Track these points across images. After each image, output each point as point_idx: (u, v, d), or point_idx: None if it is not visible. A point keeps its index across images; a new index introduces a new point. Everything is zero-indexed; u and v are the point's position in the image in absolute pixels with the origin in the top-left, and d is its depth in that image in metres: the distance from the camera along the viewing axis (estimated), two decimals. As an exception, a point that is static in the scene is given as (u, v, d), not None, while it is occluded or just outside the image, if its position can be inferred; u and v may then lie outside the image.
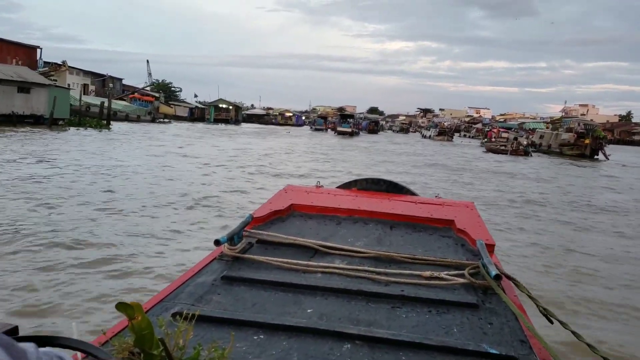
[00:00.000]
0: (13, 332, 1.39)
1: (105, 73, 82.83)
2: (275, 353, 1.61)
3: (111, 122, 44.22)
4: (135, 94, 74.01)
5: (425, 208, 3.67)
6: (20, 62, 54.21)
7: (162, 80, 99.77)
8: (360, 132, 75.18)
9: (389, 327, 1.82)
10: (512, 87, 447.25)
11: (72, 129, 36.23)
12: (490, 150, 45.57)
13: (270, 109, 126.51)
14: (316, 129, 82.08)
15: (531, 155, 41.10)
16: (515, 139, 49.44)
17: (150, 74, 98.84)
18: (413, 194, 4.44)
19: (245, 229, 2.78)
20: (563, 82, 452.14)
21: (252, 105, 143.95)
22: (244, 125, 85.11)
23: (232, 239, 2.57)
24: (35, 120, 36.69)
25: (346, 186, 4.58)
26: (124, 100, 70.06)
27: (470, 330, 1.84)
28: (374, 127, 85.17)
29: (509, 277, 2.27)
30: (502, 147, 44.44)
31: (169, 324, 1.42)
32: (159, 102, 73.31)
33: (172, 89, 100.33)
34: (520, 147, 43.18)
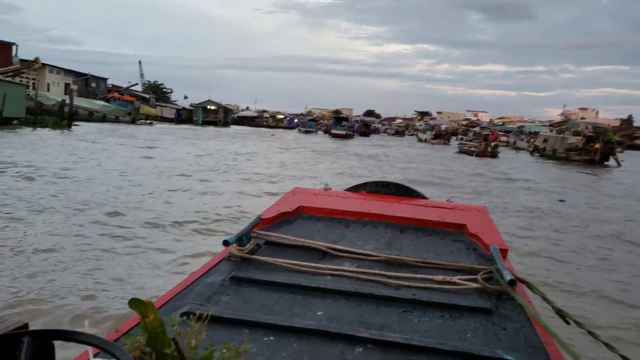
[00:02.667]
0: (23, 329, 1.42)
1: (87, 73, 79.67)
2: (285, 355, 1.61)
3: (74, 122, 40.88)
4: (115, 94, 70.59)
5: (436, 212, 3.63)
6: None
7: (154, 82, 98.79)
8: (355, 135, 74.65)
9: (401, 331, 1.81)
10: (511, 90, 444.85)
11: (27, 129, 32.95)
12: (462, 151, 45.58)
13: (265, 111, 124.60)
14: (306, 131, 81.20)
15: (498, 157, 40.52)
16: (486, 140, 47.90)
17: (142, 75, 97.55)
18: (423, 197, 4.39)
19: (253, 230, 2.79)
20: (562, 86, 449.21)
21: (247, 107, 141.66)
22: (233, 127, 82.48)
23: (241, 239, 2.58)
24: None
25: (355, 189, 4.53)
26: (107, 100, 66.87)
27: (484, 336, 1.82)
28: (365, 130, 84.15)
29: (523, 282, 2.26)
30: (472, 149, 44.06)
31: (180, 324, 1.39)
32: (139, 103, 69.73)
33: (164, 90, 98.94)
34: (489, 148, 42.47)
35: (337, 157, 31.22)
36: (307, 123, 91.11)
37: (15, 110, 35.55)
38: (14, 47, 61.47)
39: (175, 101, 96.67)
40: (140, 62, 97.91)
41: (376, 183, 4.53)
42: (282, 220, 3.29)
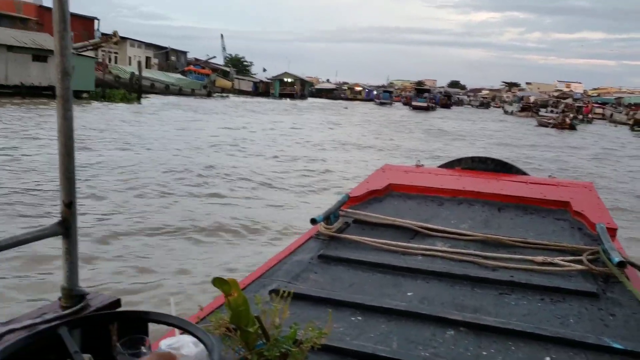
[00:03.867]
0: (117, 304, 1.48)
1: (167, 46, 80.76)
2: (374, 336, 1.59)
3: (145, 95, 40.88)
4: (191, 67, 70.90)
5: (537, 189, 3.48)
6: (73, 34, 52.56)
7: (235, 55, 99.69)
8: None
9: (496, 315, 1.75)
10: (608, 59, 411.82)
11: (96, 103, 33.06)
12: (540, 124, 43.43)
13: (346, 83, 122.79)
14: (381, 103, 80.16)
15: (576, 130, 38.67)
16: (564, 111, 46.52)
17: (224, 49, 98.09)
18: (524, 173, 4.19)
19: (341, 208, 2.75)
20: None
21: (328, 80, 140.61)
22: (310, 100, 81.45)
23: (329, 218, 2.56)
24: (54, 93, 33.41)
25: (449, 165, 4.36)
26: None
27: (590, 322, 1.73)
28: (446, 102, 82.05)
29: (633, 265, 2.12)
30: (550, 121, 42.32)
31: (266, 302, 1.39)
32: (215, 76, 69.78)
33: (244, 63, 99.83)
34: (567, 119, 41.04)
35: (398, 133, 28.80)
36: (382, 95, 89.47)
37: (84, 83, 35.62)
38: (96, 22, 63.08)
39: (255, 74, 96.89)
40: (222, 35, 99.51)
41: (472, 159, 4.33)
42: (371, 198, 3.24)
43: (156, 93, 52.93)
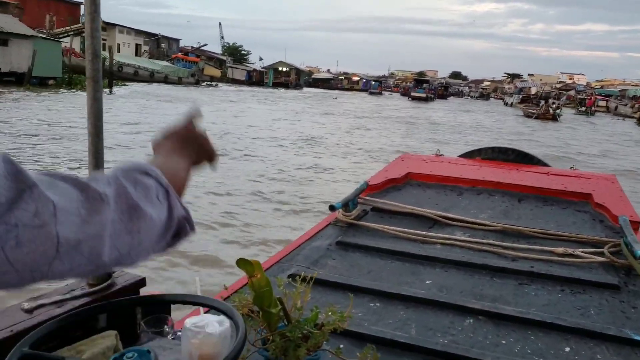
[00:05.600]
0: (142, 283, 1.55)
1: (157, 33, 78.69)
2: (392, 322, 1.61)
3: (122, 83, 38.77)
4: (179, 54, 68.73)
5: (558, 180, 3.47)
6: (55, 19, 50.76)
7: (233, 44, 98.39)
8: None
9: (516, 305, 1.75)
10: (612, 51, 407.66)
11: (63, 91, 30.89)
12: (525, 115, 43.21)
13: (346, 73, 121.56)
14: (371, 93, 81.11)
15: (558, 121, 38.16)
16: (548, 102, 45.53)
17: (222, 37, 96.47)
18: (545, 164, 4.16)
19: (360, 196, 2.78)
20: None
21: (329, 70, 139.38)
22: (305, 90, 79.36)
23: (347, 205, 2.58)
24: (17, 79, 30.98)
25: (468, 155, 4.35)
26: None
27: (610, 314, 1.72)
28: (443, 92, 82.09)
29: None
30: (533, 112, 41.98)
31: (287, 285, 1.40)
32: (204, 63, 67.59)
33: (242, 52, 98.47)
34: (550, 110, 40.37)
35: (370, 124, 26.76)
36: (372, 85, 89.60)
37: (49, 69, 33.25)
38: (81, 7, 61.18)
39: (252, 63, 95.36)
40: (220, 24, 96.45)
41: (492, 149, 4.32)
42: (389, 186, 3.27)
43: (140, 81, 50.92)
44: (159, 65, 58.57)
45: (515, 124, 34.24)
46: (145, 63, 57.50)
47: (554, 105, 42.59)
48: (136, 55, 67.58)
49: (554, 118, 39.28)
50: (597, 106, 64.41)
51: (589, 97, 65.88)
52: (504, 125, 31.65)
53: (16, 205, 0.51)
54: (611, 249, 2.18)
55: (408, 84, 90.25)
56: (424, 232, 2.38)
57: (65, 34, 48.16)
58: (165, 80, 55.18)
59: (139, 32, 73.89)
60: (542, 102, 46.16)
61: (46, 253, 0.53)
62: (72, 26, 50.72)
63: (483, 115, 43.98)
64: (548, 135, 26.29)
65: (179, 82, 56.57)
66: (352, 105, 44.35)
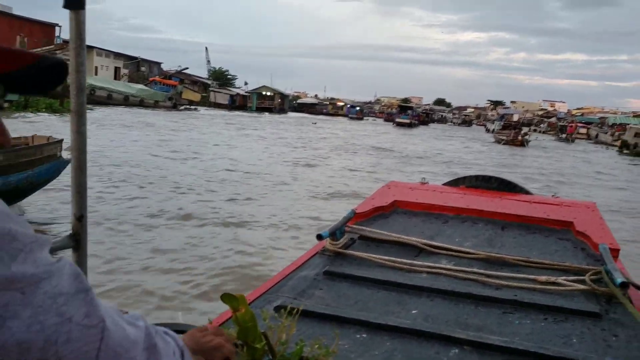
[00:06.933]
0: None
1: (137, 56, 77.76)
2: (378, 354, 1.60)
3: (88, 107, 37.12)
4: (156, 77, 67.66)
5: (541, 208, 3.51)
6: (27, 40, 49.59)
7: (219, 68, 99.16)
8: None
9: (500, 334, 1.76)
10: (591, 80, 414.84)
11: (17, 114, 29.39)
12: (496, 140, 44.52)
13: (333, 99, 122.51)
14: (351, 118, 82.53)
15: (525, 146, 39.69)
16: (516, 128, 46.88)
17: (209, 61, 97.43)
18: (527, 192, 4.23)
19: (347, 224, 2.76)
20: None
21: (316, 95, 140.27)
22: (290, 114, 78.86)
23: (334, 234, 2.56)
24: None
25: (453, 183, 4.40)
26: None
27: (592, 342, 1.73)
28: (424, 118, 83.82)
29: (636, 286, 2.10)
30: (502, 138, 43.36)
31: (272, 318, 1.41)
32: (182, 87, 66.41)
33: (228, 77, 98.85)
34: (518, 137, 41.62)
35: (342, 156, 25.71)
36: (351, 110, 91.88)
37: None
38: (57, 28, 60.26)
39: (238, 87, 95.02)
40: (206, 48, 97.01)
41: (476, 177, 4.38)
42: (376, 214, 3.26)
43: (114, 104, 49.69)
44: (134, 88, 57.26)
45: (482, 148, 35.32)
46: (120, 86, 56.24)
47: (522, 132, 43.99)
48: (115, 78, 66.42)
49: (522, 144, 40.43)
50: (578, 133, 64.48)
51: (570, 125, 65.94)
52: (470, 150, 32.37)
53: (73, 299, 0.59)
54: (592, 277, 2.20)
55: (392, 110, 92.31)
56: (410, 261, 2.38)
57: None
58: (141, 103, 53.96)
59: (118, 55, 72.77)
60: (512, 130, 46.71)
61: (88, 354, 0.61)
62: (44, 48, 49.67)
63: (455, 140, 44.27)
64: (509, 158, 27.06)
65: (155, 105, 55.28)
66: (325, 130, 43.44)
